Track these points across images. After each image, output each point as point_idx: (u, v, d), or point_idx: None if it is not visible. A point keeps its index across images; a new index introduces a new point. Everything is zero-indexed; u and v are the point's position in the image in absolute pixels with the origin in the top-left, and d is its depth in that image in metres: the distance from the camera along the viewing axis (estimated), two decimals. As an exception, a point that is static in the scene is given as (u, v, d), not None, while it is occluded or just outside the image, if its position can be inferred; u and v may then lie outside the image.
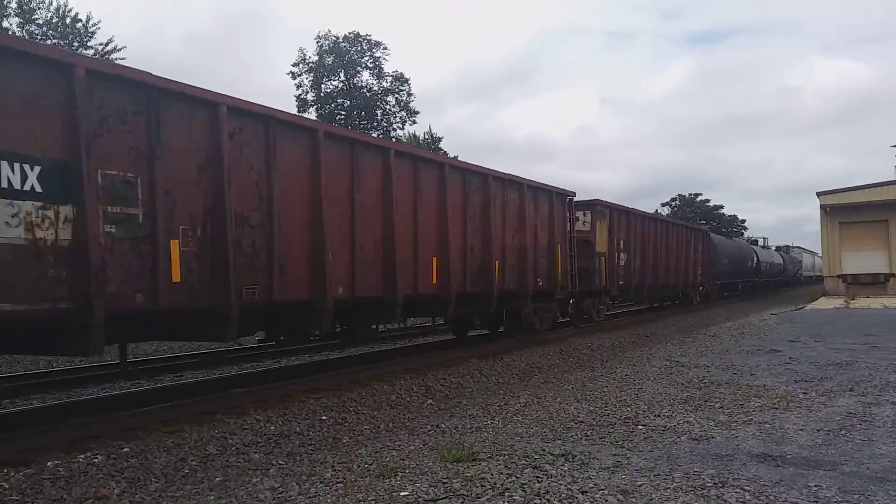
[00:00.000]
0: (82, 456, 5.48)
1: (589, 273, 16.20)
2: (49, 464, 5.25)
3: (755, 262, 37.05)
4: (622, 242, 18.34)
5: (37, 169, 5.37)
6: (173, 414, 6.99)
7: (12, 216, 5.19)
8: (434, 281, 10.33)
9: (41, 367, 11.16)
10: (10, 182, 5.19)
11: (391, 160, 9.28)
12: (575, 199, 15.34)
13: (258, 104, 7.48)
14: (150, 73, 6.36)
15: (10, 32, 23.64)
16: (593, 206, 17.04)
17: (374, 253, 9.07)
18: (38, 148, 5.40)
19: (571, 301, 16.08)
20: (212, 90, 6.98)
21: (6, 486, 4.80)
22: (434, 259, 10.33)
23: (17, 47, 5.47)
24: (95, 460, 5.41)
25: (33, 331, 5.94)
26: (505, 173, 12.44)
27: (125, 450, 5.71)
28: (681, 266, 23.90)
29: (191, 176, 6.69)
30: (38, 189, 5.38)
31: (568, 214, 14.90)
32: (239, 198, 7.09)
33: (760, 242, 46.24)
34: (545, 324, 14.49)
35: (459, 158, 21.15)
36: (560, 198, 14.55)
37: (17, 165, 5.24)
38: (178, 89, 6.59)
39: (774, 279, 41.64)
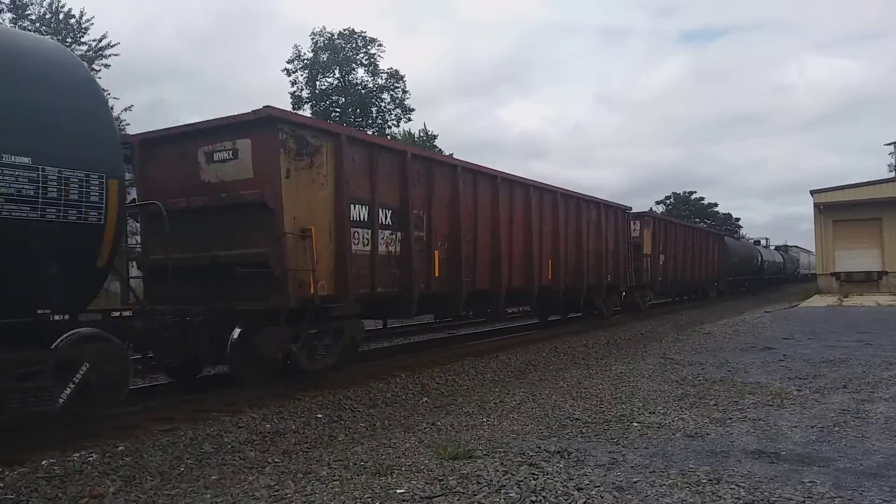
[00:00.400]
0: (77, 454, 5.47)
1: (639, 271, 20.52)
2: (44, 462, 5.24)
3: (760, 260, 39.99)
4: (661, 245, 22.84)
5: (389, 212, 9.79)
6: (168, 412, 6.98)
7: (381, 240, 9.54)
8: (549, 277, 14.46)
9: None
10: (382, 221, 9.59)
11: (530, 193, 13.73)
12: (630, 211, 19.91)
13: (472, 164, 12.01)
14: (431, 153, 13.74)
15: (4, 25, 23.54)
16: (643, 216, 22.01)
17: (522, 258, 13.32)
18: (391, 200, 9.82)
19: (623, 293, 19.90)
20: (454, 158, 12.75)
21: (1, 484, 4.79)
22: (549, 261, 14.46)
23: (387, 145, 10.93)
24: (90, 459, 5.40)
25: (386, 303, 10.12)
26: (588, 195, 16.79)
27: (120, 448, 5.70)
28: (703, 265, 28.49)
29: (443, 211, 10.94)
30: (390, 223, 9.77)
31: (628, 224, 19.77)
32: (464, 224, 11.27)
33: (763, 243, 48.94)
34: (609, 310, 18.39)
35: (454, 156, 21.32)
36: (622, 211, 18.99)
37: (385, 211, 9.70)
38: (441, 159, 12.61)
39: (776, 276, 45.55)
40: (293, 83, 43.17)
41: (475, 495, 4.51)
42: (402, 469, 5.21)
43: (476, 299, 11.87)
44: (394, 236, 9.81)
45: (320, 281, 8.30)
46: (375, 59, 43.41)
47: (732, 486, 4.48)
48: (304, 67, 42.69)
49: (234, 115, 8.09)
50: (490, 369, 10.43)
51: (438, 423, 6.88)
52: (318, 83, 42.92)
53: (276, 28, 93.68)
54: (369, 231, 9.29)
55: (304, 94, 42.82)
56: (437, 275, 10.63)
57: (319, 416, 7.22)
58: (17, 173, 5.47)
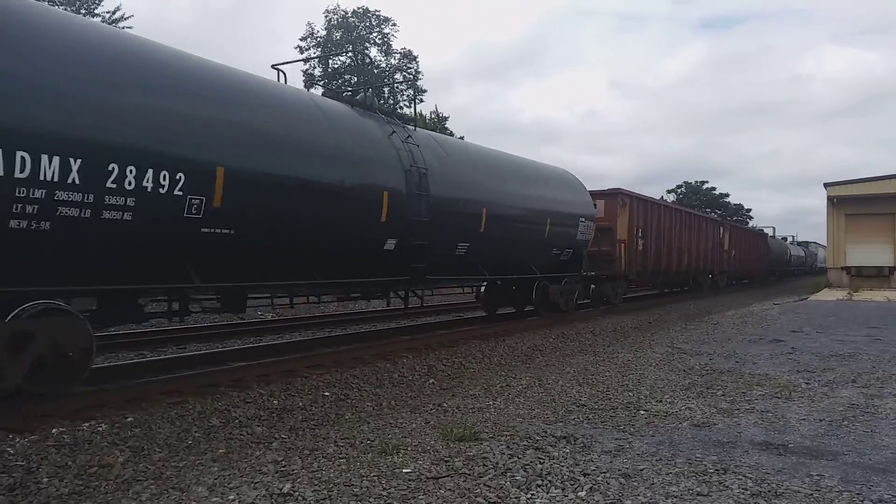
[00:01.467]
0: (86, 424, 5.50)
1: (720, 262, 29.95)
2: (53, 431, 5.28)
3: (789, 255, 50.43)
4: (733, 244, 32.46)
5: (641, 231, 19.69)
6: (176, 385, 7.02)
7: (640, 243, 19.42)
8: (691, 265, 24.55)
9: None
10: (639, 236, 19.43)
11: (692, 217, 24.54)
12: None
13: (659, 200, 24.06)
14: (653, 199, 22.60)
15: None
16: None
17: (684, 254, 23.51)
18: (644, 225, 20.10)
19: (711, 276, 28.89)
20: (660, 201, 25.30)
21: (11, 451, 4.83)
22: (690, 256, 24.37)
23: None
24: (100, 429, 5.43)
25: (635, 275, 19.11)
26: (705, 213, 26.26)
27: (129, 419, 5.73)
28: (756, 259, 37.06)
29: (654, 230, 20.69)
30: (642, 236, 19.78)
31: (718, 230, 29.25)
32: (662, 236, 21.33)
33: (789, 240, 57.01)
34: (709, 286, 28.17)
35: (465, 139, 21.24)
36: (716, 222, 28.41)
37: (640, 231, 19.48)
38: (653, 202, 22.27)
39: (799, 268, 56.13)
40: (306, 61, 42.98)
41: (481, 477, 4.52)
42: (409, 449, 5.22)
43: (666, 276, 22.80)
44: (643, 241, 19.62)
45: (626, 263, 18.27)
46: (389, 38, 43.14)
47: (739, 477, 4.47)
48: (317, 45, 42.45)
49: (600, 191, 18.22)
50: (497, 353, 10.44)
51: (445, 405, 6.89)
52: (330, 62, 42.71)
53: (291, 3, 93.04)
54: (638, 240, 19.27)
55: (317, 72, 42.65)
56: (654, 262, 20.50)
57: (326, 394, 7.25)
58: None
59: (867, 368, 8.92)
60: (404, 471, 4.66)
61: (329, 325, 13.79)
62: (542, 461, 4.83)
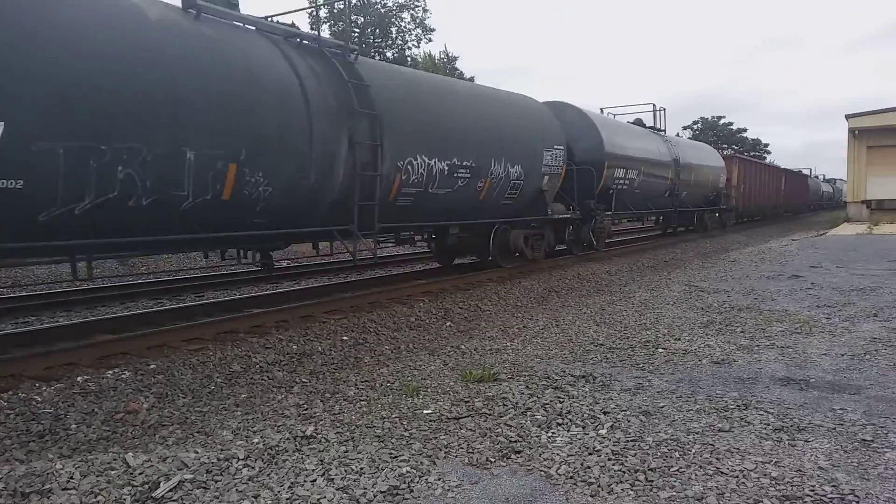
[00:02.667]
0: (110, 372, 5.59)
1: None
2: (79, 379, 5.36)
3: (821, 191, 59.11)
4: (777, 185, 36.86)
5: (745, 178, 29.89)
6: (197, 332, 7.09)
7: (744, 186, 29.84)
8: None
9: (64, 286, 11.33)
10: (744, 182, 29.66)
11: (768, 168, 35.91)
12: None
13: (754, 159, 35.98)
14: (751, 159, 35.75)
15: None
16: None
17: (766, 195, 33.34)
18: (747, 177, 30.54)
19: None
20: (751, 158, 37.06)
21: (39, 399, 4.92)
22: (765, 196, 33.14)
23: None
24: (123, 376, 5.52)
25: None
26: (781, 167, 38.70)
27: (152, 367, 5.81)
28: (797, 195, 43.07)
29: (751, 178, 30.67)
30: (745, 183, 30.00)
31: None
32: (756, 182, 31.72)
33: (820, 178, 64.39)
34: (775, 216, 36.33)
35: (475, 79, 20.77)
36: (779, 171, 36.49)
37: (745, 178, 29.68)
38: (748, 160, 33.34)
39: (828, 202, 62.98)
40: (311, 1, 41.90)
41: (501, 417, 4.54)
42: (428, 390, 5.26)
43: (752, 209, 30.60)
44: (744, 186, 28.10)
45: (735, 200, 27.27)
46: (395, -25, 41.82)
47: (761, 412, 4.46)
48: (321, -15, 41.25)
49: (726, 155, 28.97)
50: (513, 295, 10.43)
51: (462, 347, 6.92)
52: (336, 2, 41.56)
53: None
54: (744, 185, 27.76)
55: (323, 13, 41.60)
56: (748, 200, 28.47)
57: (345, 338, 7.30)
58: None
59: (889, 302, 8.81)
60: (425, 412, 4.70)
61: (344, 271, 13.83)
62: (561, 400, 4.84)
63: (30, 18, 5.14)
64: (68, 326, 7.54)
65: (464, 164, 10.17)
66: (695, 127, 74.33)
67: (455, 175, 10.01)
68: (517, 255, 12.66)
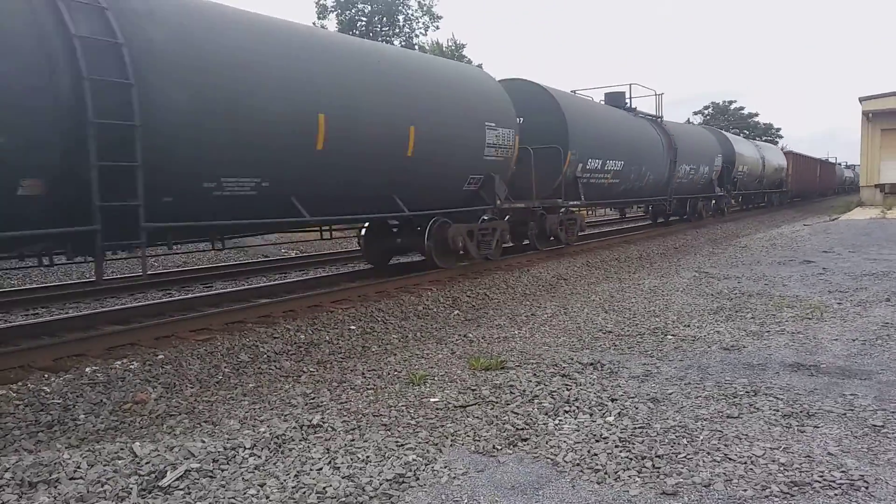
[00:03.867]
0: (119, 362, 5.61)
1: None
2: (87, 370, 5.38)
3: (844, 177, 65.28)
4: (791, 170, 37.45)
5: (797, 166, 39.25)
6: (204, 323, 7.10)
7: (795, 172, 39.46)
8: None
9: (73, 277, 11.40)
10: (795, 170, 39.48)
11: (812, 160, 45.15)
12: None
13: (798, 153, 42.79)
14: (800, 155, 43.19)
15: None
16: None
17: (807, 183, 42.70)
18: (796, 167, 39.65)
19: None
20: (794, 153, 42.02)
21: (48, 390, 4.94)
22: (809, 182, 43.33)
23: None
24: (132, 367, 5.54)
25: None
26: (820, 158, 48.97)
27: (160, 357, 5.83)
28: (824, 181, 49.08)
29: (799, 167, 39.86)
30: (792, 172, 38.30)
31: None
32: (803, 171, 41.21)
33: (842, 164, 69.23)
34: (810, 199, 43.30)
35: (483, 67, 20.59)
36: (818, 161, 45.81)
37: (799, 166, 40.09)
38: (796, 154, 41.81)
39: (849, 187, 66.72)
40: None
41: (508, 405, 4.52)
42: (436, 379, 5.25)
43: (800, 193, 40.13)
44: (794, 175, 36.76)
45: (790, 185, 37.29)
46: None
47: (770, 399, 4.41)
48: (328, -26, 41.06)
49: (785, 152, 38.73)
50: (521, 283, 10.39)
51: (470, 336, 6.90)
52: (343, -10, 41.39)
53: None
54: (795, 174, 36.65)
55: (329, 2, 41.47)
56: (797, 184, 38.43)
57: (352, 327, 7.30)
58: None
59: (901, 287, 8.71)
60: (432, 400, 4.69)
61: (352, 262, 13.83)
62: (569, 388, 4.82)
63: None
64: (77, 318, 7.58)
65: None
66: (705, 112, 73.68)
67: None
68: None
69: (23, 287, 10.36)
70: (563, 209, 13.71)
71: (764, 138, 64.57)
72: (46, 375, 5.26)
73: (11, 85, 4.98)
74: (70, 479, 3.37)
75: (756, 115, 74.21)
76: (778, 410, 4.20)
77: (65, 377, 5.20)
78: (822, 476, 3.26)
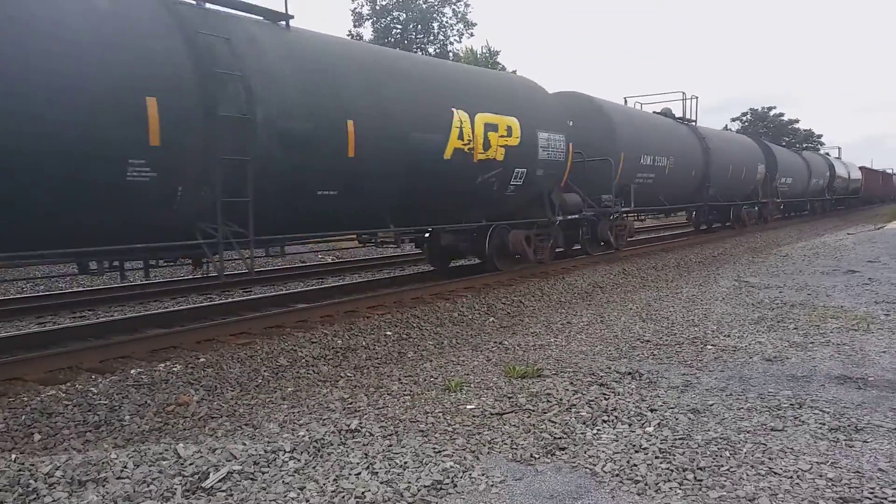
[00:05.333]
0: (162, 365, 5.74)
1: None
2: (133, 371, 5.52)
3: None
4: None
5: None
6: (245, 327, 7.23)
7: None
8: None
9: (119, 281, 11.68)
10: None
11: (877, 172, 50.65)
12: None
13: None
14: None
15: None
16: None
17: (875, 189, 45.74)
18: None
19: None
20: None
21: (94, 390, 5.08)
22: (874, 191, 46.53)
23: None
24: (175, 369, 5.66)
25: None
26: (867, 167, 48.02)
27: (201, 360, 5.95)
28: (887, 190, 53.84)
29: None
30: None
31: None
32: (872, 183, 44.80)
33: (891, 172, 67.11)
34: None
35: (517, 72, 20.63)
36: (881, 173, 49.29)
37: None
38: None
39: None
40: None
41: (545, 413, 4.50)
42: (472, 386, 5.25)
43: (868, 199, 45.22)
44: (866, 184, 42.65)
45: (864, 191, 43.87)
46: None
47: (816, 412, 4.31)
48: (364, -16, 41.54)
49: (861, 167, 42.96)
50: (556, 290, 10.33)
51: (505, 343, 6.89)
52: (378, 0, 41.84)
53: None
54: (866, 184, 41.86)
55: (365, 10, 41.94)
56: (868, 192, 43.57)
57: (388, 333, 7.34)
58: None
59: (952, 299, 8.42)
60: (468, 407, 4.70)
61: (387, 267, 13.91)
62: (606, 397, 4.77)
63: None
64: (122, 320, 7.78)
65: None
66: (744, 119, 72.39)
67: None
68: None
69: (70, 290, 10.67)
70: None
71: (805, 145, 63.17)
72: (94, 376, 5.41)
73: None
74: (117, 478, 3.45)
75: (796, 121, 72.58)
76: (824, 424, 4.10)
77: (111, 378, 5.34)
78: (872, 493, 3.17)
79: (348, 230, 9.27)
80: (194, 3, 6.59)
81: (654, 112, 18.30)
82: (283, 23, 7.45)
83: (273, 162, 6.81)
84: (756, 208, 24.13)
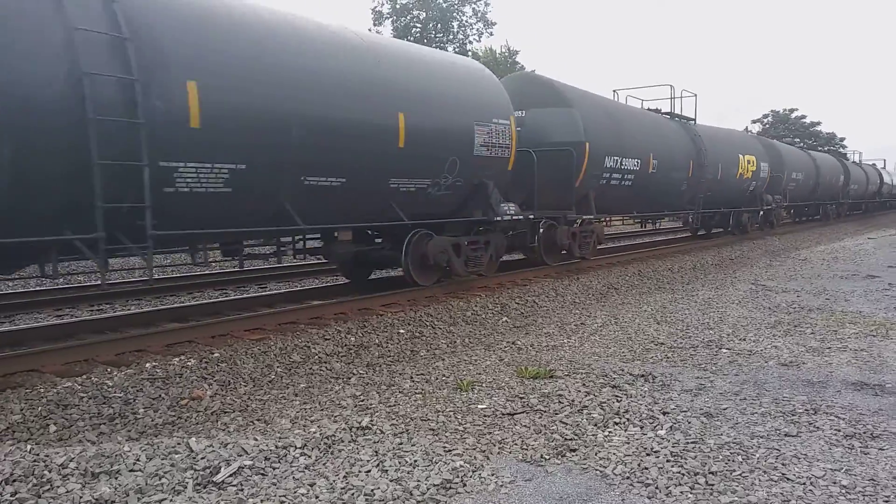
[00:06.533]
0: (177, 359, 5.79)
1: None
2: (147, 365, 5.58)
3: None
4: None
5: None
6: (259, 322, 7.27)
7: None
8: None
9: (136, 275, 11.81)
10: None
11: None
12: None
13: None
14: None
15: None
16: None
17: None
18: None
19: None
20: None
21: (110, 384, 5.14)
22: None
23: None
24: (189, 364, 5.71)
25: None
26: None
27: (215, 355, 5.99)
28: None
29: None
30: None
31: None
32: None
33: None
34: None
35: (536, 71, 20.48)
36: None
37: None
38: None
39: None
40: (374, -1, 42.36)
41: (556, 414, 4.49)
42: (483, 385, 5.24)
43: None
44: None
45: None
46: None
47: (832, 418, 4.26)
48: (383, -18, 41.64)
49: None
50: (570, 291, 10.29)
51: (518, 343, 6.87)
52: (398, -1, 41.92)
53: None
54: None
55: (385, 9, 42.03)
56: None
57: (401, 331, 7.35)
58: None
59: (975, 305, 8.28)
60: (479, 406, 4.69)
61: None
62: (619, 399, 4.75)
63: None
64: (138, 314, 7.86)
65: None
66: (764, 120, 71.60)
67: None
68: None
69: (88, 284, 10.80)
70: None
71: (827, 149, 62.34)
72: (109, 369, 5.47)
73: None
74: (130, 471, 3.49)
75: (818, 123, 71.65)
76: (839, 430, 4.05)
77: (126, 371, 5.40)
78: (887, 501, 3.13)
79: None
80: None
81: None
82: None
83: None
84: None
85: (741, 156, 19.45)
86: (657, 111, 16.41)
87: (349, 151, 7.30)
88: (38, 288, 10.30)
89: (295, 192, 6.92)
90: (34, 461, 3.47)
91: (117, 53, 5.34)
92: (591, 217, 12.53)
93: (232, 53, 6.20)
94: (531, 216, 10.61)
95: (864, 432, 4.01)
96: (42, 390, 4.93)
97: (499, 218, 9.59)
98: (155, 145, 5.49)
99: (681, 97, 17.31)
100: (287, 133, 6.62)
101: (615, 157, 12.49)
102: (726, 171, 18.23)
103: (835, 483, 3.33)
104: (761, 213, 21.97)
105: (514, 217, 10.00)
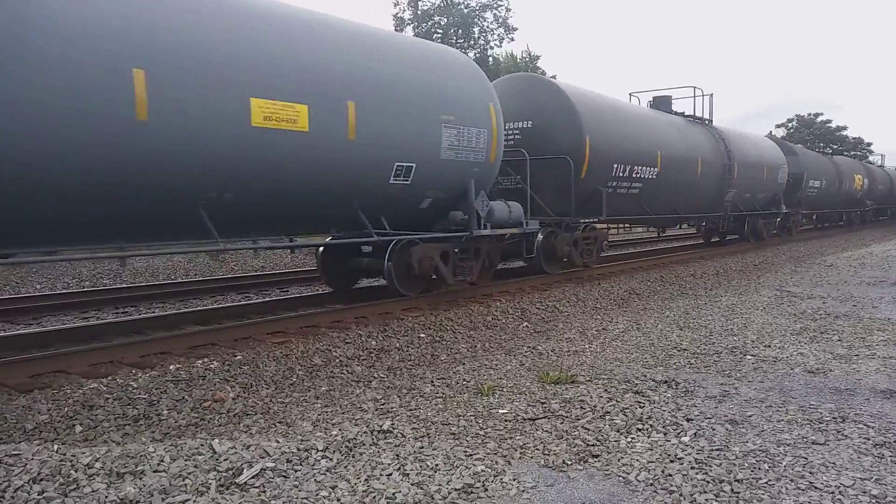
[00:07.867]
0: (200, 361, 5.85)
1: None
2: (171, 367, 5.64)
3: None
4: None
5: None
6: (281, 326, 7.32)
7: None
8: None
9: (161, 279, 11.96)
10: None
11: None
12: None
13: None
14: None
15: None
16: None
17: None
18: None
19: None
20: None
21: (134, 385, 5.20)
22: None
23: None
24: (212, 366, 5.76)
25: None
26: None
27: (238, 357, 6.04)
28: None
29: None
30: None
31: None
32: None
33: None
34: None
35: (557, 77, 20.41)
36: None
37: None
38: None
39: None
40: (395, 3, 42.64)
41: (578, 420, 4.45)
42: (504, 390, 5.22)
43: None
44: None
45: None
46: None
47: (860, 426, 4.17)
48: (405, -12, 41.90)
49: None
50: (591, 296, 10.23)
51: (539, 348, 6.84)
52: (420, 3, 42.13)
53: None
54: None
55: (407, 15, 42.26)
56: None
57: (422, 335, 7.35)
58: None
59: None
60: (500, 411, 4.67)
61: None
62: (641, 405, 4.70)
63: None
64: (163, 317, 7.95)
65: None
66: (789, 125, 70.70)
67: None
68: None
69: (114, 286, 10.96)
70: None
71: (853, 153, 61.40)
72: (134, 371, 5.54)
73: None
74: (154, 471, 3.52)
75: (844, 128, 70.57)
76: (868, 439, 3.96)
77: (150, 373, 5.46)
78: (918, 512, 3.05)
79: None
80: None
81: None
82: None
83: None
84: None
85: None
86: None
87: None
88: (63, 291, 10.48)
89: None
90: (61, 461, 3.52)
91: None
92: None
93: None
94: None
95: (895, 441, 3.92)
96: (68, 391, 5.01)
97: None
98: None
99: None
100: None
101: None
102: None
103: (864, 492, 3.26)
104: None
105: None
